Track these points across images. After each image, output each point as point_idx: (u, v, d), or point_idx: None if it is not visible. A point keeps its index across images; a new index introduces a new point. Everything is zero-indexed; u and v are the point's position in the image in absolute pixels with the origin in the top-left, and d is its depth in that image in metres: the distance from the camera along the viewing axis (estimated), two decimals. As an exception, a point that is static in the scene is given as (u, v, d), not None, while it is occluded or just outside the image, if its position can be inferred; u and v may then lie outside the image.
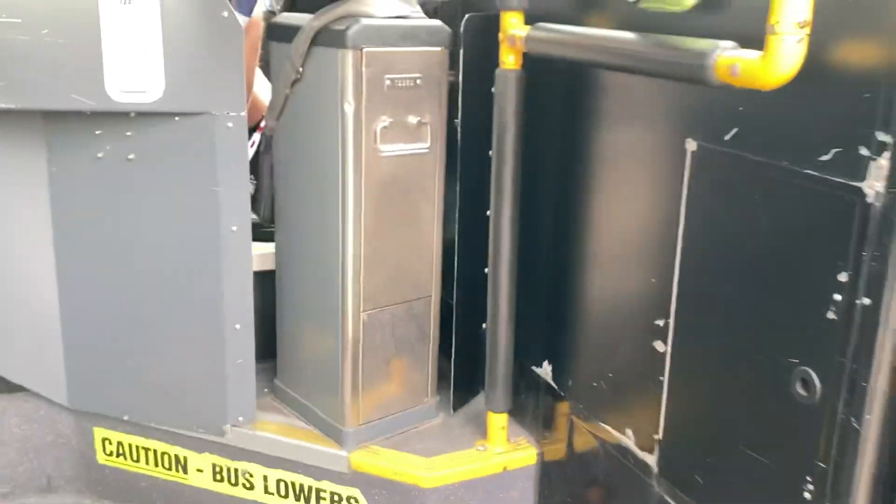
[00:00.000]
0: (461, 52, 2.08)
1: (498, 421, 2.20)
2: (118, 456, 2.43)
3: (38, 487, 2.46)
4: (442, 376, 2.38)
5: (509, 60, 1.94)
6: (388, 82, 2.00)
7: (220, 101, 2.03)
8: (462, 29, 2.08)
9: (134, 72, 1.96)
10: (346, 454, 2.19)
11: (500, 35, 1.94)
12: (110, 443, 2.42)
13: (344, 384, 2.17)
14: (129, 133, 2.08)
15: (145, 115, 2.03)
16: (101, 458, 2.45)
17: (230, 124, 2.05)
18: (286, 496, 2.29)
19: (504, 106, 1.97)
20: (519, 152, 2.00)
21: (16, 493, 2.43)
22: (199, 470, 2.36)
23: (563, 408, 2.13)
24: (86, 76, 1.93)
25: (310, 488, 2.25)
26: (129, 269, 2.23)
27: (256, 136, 2.63)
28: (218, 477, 2.35)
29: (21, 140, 2.14)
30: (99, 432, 2.42)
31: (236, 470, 2.32)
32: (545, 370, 2.18)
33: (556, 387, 2.15)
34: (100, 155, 2.12)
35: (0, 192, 2.18)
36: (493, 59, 1.97)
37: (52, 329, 2.31)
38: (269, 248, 2.39)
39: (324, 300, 2.16)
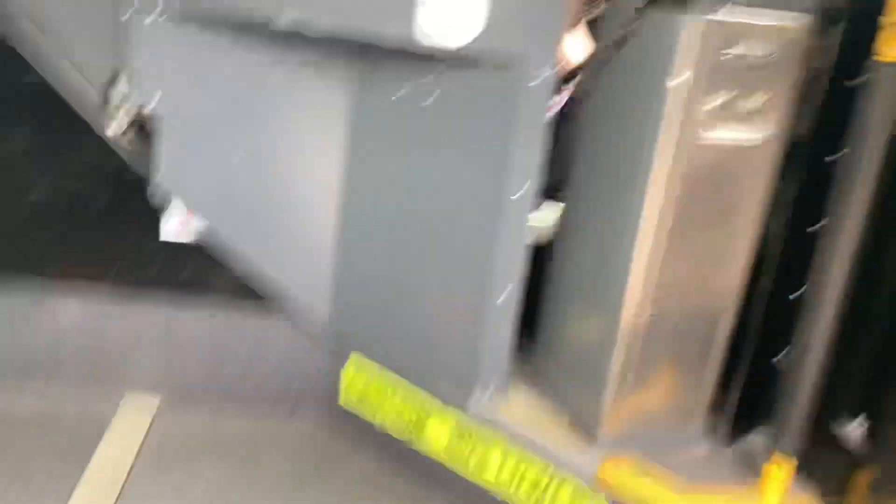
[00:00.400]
0: (829, 30, 1.73)
1: (780, 469, 1.88)
2: (361, 398, 2.42)
3: (284, 410, 2.53)
4: (715, 401, 2.08)
5: (893, 52, 1.57)
6: (729, 57, 1.71)
7: (530, 55, 1.87)
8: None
9: (450, 13, 1.84)
10: (594, 459, 1.99)
11: (886, 19, 1.57)
12: (357, 383, 2.42)
13: (608, 384, 1.95)
14: (430, 77, 1.99)
15: (450, 61, 1.91)
16: (344, 396, 2.46)
17: (537, 82, 1.88)
18: (519, 482, 2.14)
19: (874, 105, 1.62)
20: (880, 160, 1.64)
21: (265, 412, 2.51)
22: (436, 430, 2.29)
23: (867, 474, 1.77)
24: (400, 12, 1.85)
25: (546, 484, 2.08)
26: (409, 213, 2.17)
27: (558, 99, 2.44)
28: (454, 442, 2.26)
29: (330, 72, 2.12)
30: (348, 371, 2.43)
31: (474, 439, 2.21)
32: (851, 425, 1.82)
33: (861, 447, 1.79)
34: (400, 95, 2.05)
35: (302, 117, 2.19)
36: (864, 46, 1.62)
37: (326, 260, 2.32)
38: (543, 219, 2.21)
39: (605, 290, 1.94)
